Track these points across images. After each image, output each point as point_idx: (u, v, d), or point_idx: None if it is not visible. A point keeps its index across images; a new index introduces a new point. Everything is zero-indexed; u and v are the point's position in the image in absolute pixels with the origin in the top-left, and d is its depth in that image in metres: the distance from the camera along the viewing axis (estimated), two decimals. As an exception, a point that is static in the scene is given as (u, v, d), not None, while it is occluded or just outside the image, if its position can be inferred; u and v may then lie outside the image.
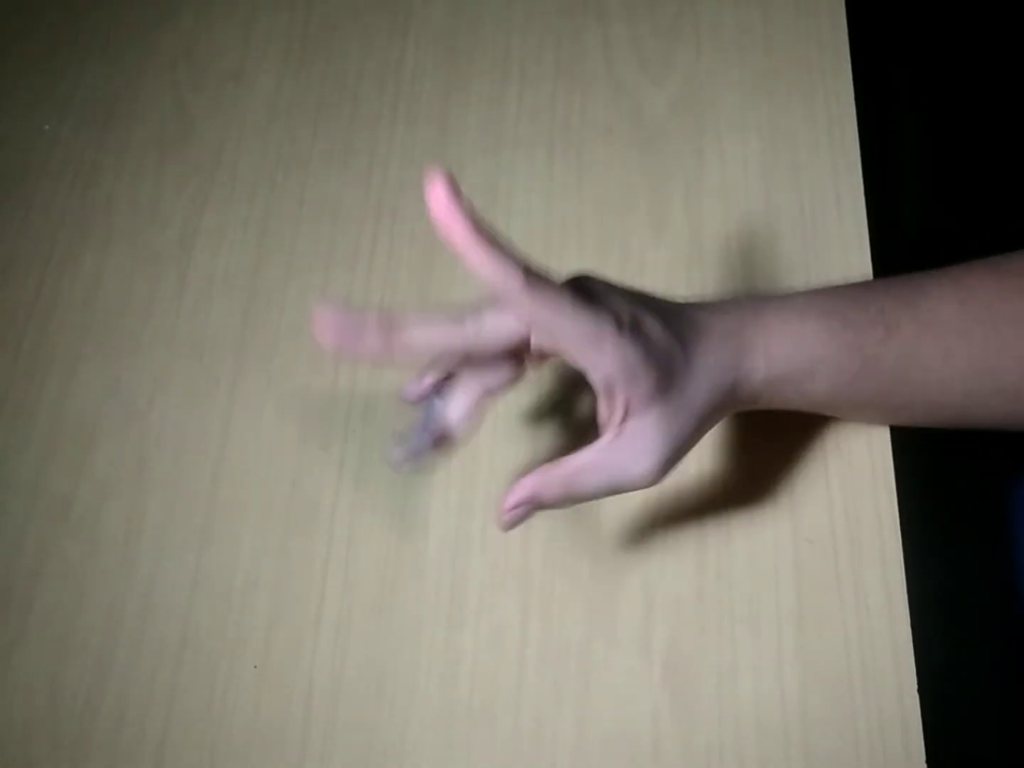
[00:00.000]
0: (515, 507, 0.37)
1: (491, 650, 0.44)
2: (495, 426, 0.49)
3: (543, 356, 0.39)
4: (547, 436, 0.48)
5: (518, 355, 0.38)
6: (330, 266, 0.55)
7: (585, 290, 0.35)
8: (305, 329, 0.53)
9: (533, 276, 0.33)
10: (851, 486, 0.45)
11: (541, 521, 0.46)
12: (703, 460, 0.46)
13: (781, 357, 0.38)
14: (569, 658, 0.44)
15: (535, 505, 0.37)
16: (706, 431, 0.39)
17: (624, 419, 0.36)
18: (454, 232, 0.33)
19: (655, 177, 0.54)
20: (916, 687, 0.41)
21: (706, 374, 0.37)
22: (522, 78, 0.59)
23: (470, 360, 0.38)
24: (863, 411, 0.43)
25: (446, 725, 0.43)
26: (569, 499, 0.37)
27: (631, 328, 0.35)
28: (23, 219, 0.59)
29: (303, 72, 0.62)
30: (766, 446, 0.46)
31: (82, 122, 0.62)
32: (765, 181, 0.53)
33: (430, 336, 0.36)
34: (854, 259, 0.49)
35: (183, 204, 0.58)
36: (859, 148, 0.53)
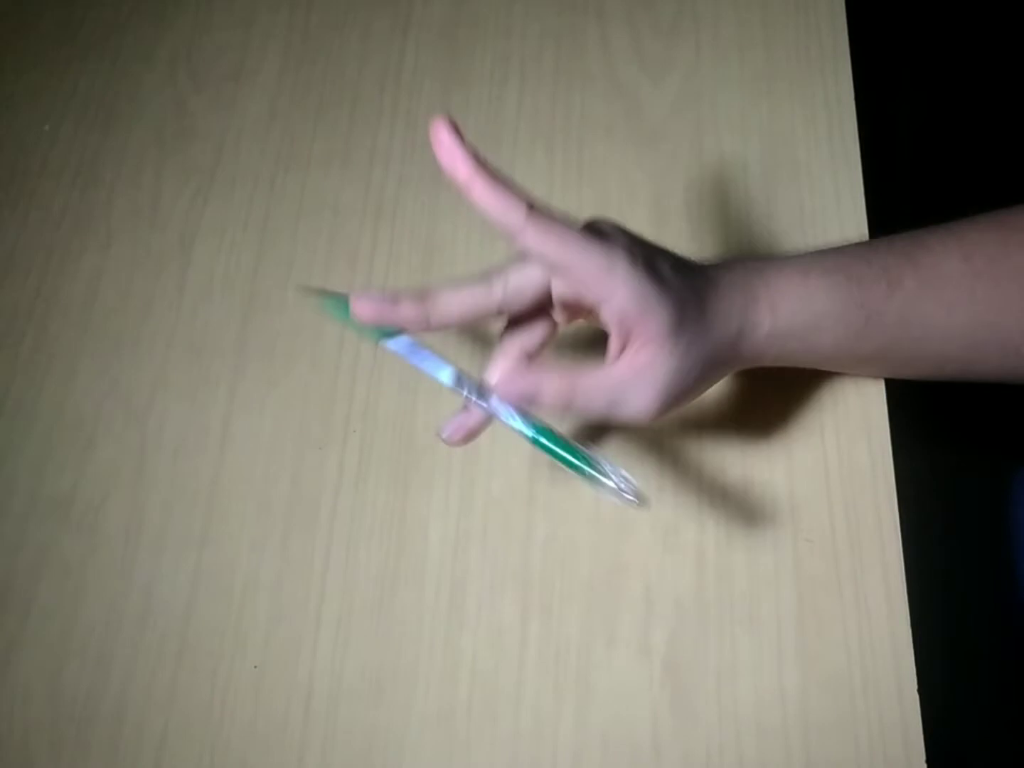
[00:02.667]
0: (512, 392, 0.36)
1: (491, 650, 0.44)
2: (495, 426, 0.49)
3: (571, 310, 0.39)
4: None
5: (547, 312, 0.40)
6: (330, 266, 0.55)
7: (596, 229, 0.36)
8: (305, 329, 0.53)
9: (537, 210, 0.34)
10: (851, 486, 0.45)
11: (541, 521, 0.46)
12: (703, 459, 0.46)
13: (786, 311, 0.38)
14: (569, 658, 0.44)
15: (531, 398, 0.36)
16: (709, 384, 0.39)
17: (635, 353, 0.36)
18: (457, 169, 0.36)
19: (655, 176, 0.54)
20: (916, 687, 0.41)
21: (715, 322, 0.37)
22: (522, 78, 0.59)
23: (503, 319, 0.39)
24: (867, 365, 0.43)
25: (446, 725, 0.43)
26: (566, 407, 0.36)
27: (644, 263, 0.35)
28: (23, 219, 0.59)
29: (303, 72, 0.62)
30: (766, 446, 0.46)
31: (82, 122, 0.62)
32: (765, 181, 0.53)
33: (461, 301, 0.38)
34: (854, 259, 0.49)
35: (183, 204, 0.58)
36: (859, 147, 0.53)
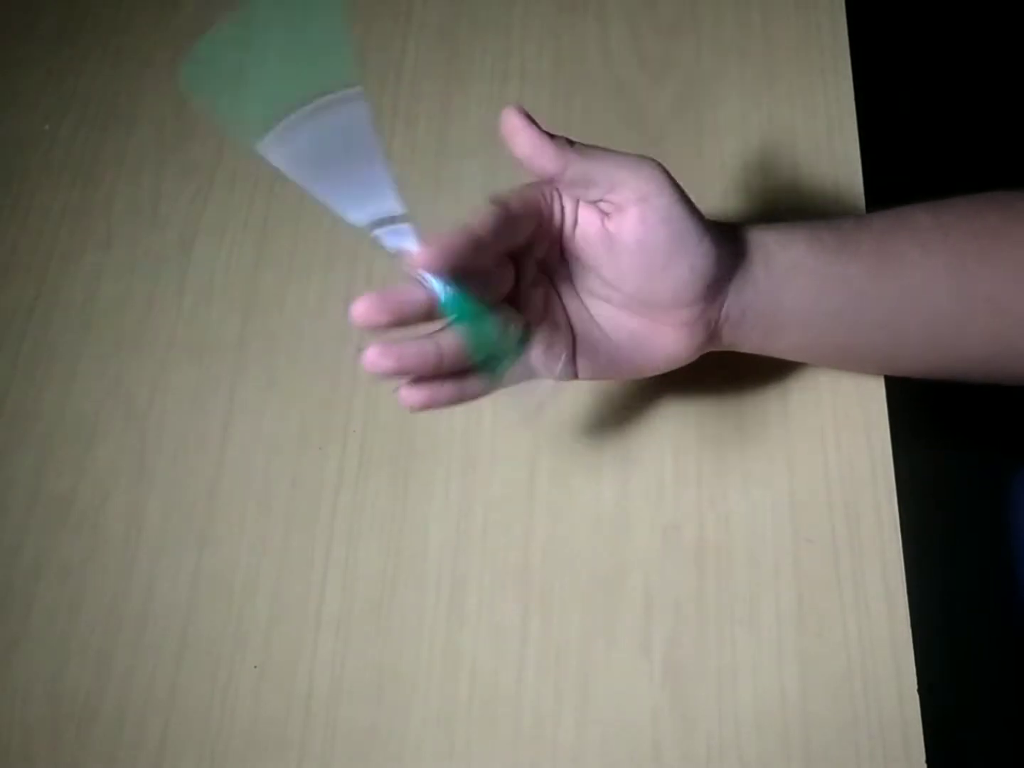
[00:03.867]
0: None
1: (491, 650, 0.44)
2: (495, 426, 0.49)
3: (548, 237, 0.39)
4: (547, 436, 0.48)
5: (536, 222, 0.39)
6: (330, 266, 0.55)
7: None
8: (305, 329, 0.53)
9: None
10: (851, 486, 0.45)
11: (541, 520, 0.46)
12: (703, 459, 0.46)
13: (772, 244, 0.40)
14: (569, 658, 0.44)
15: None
16: (694, 297, 0.38)
17: (639, 223, 0.37)
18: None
19: (655, 177, 0.54)
20: (916, 687, 0.41)
21: (715, 231, 0.38)
22: (522, 78, 0.59)
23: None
24: (861, 316, 0.41)
25: (446, 725, 0.43)
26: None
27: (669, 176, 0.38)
28: (23, 219, 0.59)
29: (303, 72, 0.62)
30: (766, 445, 0.46)
31: (82, 122, 0.62)
32: (765, 181, 0.53)
33: (462, 241, 0.36)
34: (854, 259, 0.49)
35: (183, 204, 0.58)
36: (859, 147, 0.53)
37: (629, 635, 0.44)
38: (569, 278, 0.40)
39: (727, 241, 0.39)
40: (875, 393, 0.47)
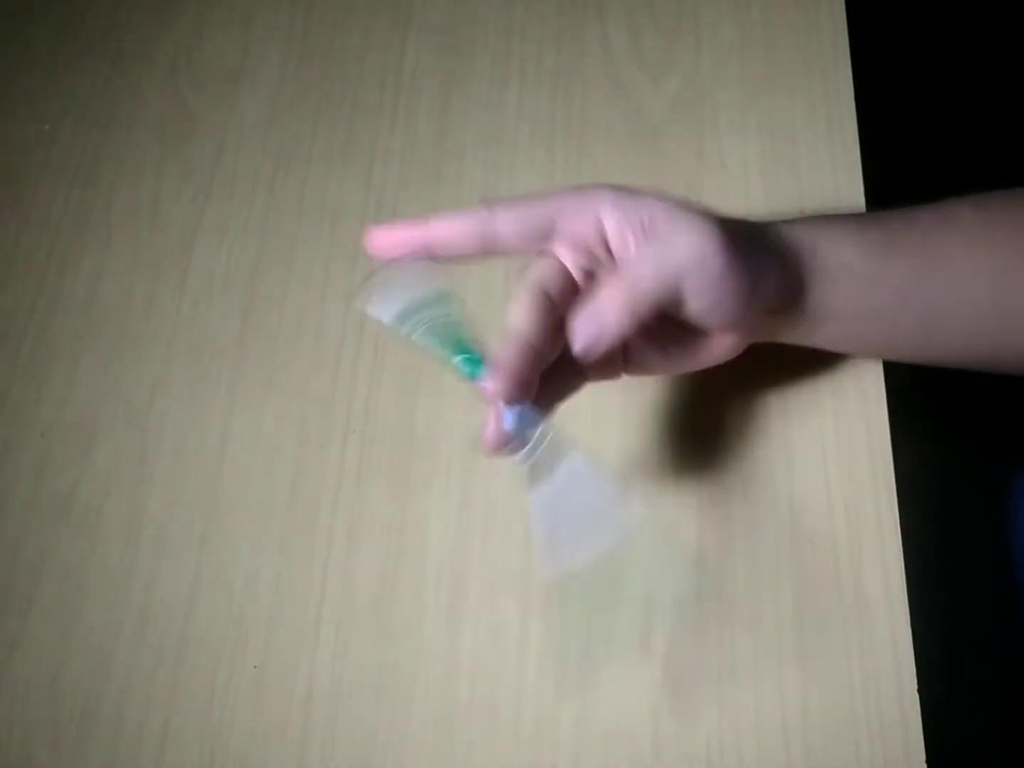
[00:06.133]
0: (580, 338, 0.35)
1: (491, 650, 0.44)
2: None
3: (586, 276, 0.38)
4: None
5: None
6: (330, 266, 0.55)
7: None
8: (305, 329, 0.53)
9: (496, 201, 0.36)
10: (851, 486, 0.45)
11: (541, 521, 0.46)
12: (703, 459, 0.46)
13: (812, 231, 0.39)
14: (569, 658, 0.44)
15: (600, 334, 0.35)
16: (718, 295, 0.37)
17: (640, 245, 0.36)
18: (405, 239, 0.37)
19: (655, 177, 0.54)
20: (916, 687, 0.41)
21: (701, 216, 0.37)
22: (522, 78, 0.59)
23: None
24: (902, 313, 0.41)
25: (446, 725, 0.43)
26: (634, 309, 0.35)
27: (616, 185, 0.37)
28: (23, 219, 0.59)
29: (303, 71, 0.62)
30: (766, 445, 0.46)
31: (82, 122, 0.62)
32: (765, 181, 0.53)
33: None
34: (854, 259, 0.49)
35: (183, 204, 0.58)
36: (859, 147, 0.53)
37: (629, 635, 0.43)
38: None
39: (778, 263, 0.38)
40: (875, 393, 0.47)
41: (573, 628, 0.41)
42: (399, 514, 0.48)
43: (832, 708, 0.41)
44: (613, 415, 0.48)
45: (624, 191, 0.36)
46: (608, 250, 0.37)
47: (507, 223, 0.36)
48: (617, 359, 0.40)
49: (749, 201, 0.52)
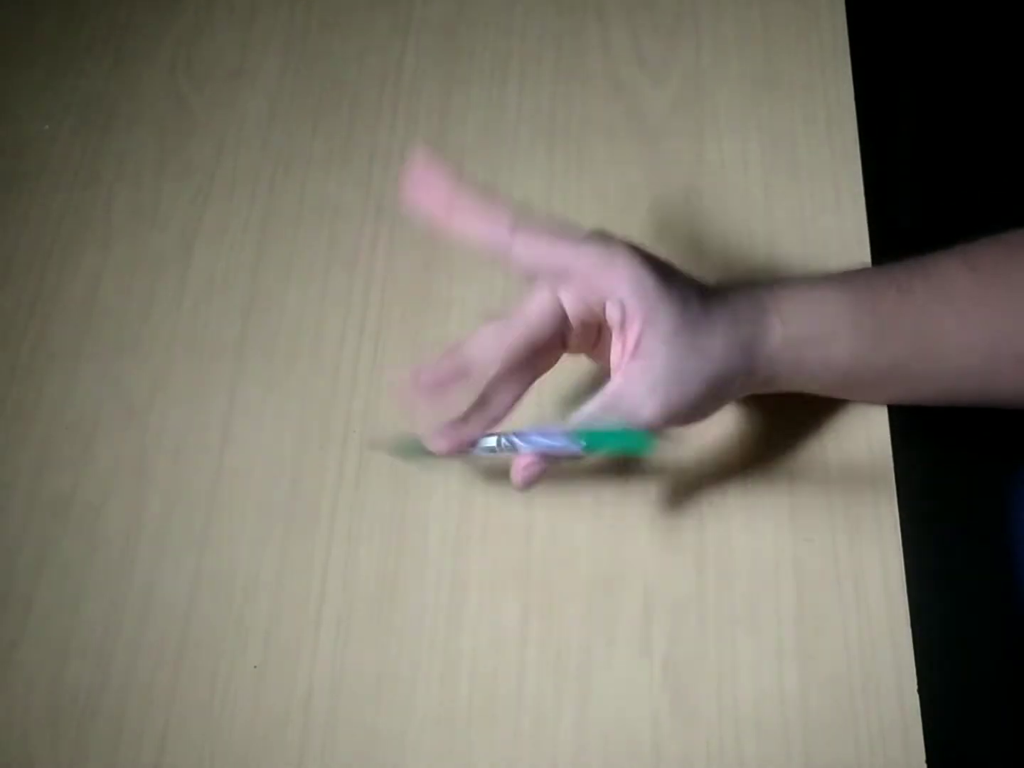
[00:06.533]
0: (529, 465, 0.37)
1: (491, 650, 0.44)
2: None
3: (586, 330, 0.39)
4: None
5: (563, 338, 0.39)
6: (330, 266, 0.55)
7: (597, 233, 0.37)
8: (305, 329, 0.53)
9: (524, 221, 0.34)
10: (851, 486, 0.45)
11: (541, 521, 0.46)
12: (703, 460, 0.46)
13: (797, 318, 0.38)
14: (569, 658, 0.44)
15: (549, 460, 0.37)
16: (718, 399, 0.38)
17: (634, 355, 0.35)
18: (437, 199, 0.35)
19: (655, 177, 0.54)
20: (916, 687, 0.41)
21: (720, 325, 0.36)
22: (522, 78, 0.59)
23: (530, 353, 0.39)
24: (885, 384, 0.42)
25: (446, 725, 0.43)
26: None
27: (645, 258, 0.35)
28: (23, 219, 0.59)
29: (303, 71, 0.62)
30: (766, 445, 0.46)
31: (82, 122, 0.62)
32: (765, 181, 0.53)
33: (497, 359, 0.38)
34: (854, 259, 0.49)
35: (183, 204, 0.58)
36: (859, 148, 0.53)
37: (629, 635, 0.43)
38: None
39: (755, 379, 0.38)
40: (875, 393, 0.47)
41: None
42: (399, 514, 0.48)
43: (832, 708, 0.41)
44: (613, 415, 0.48)
45: (648, 273, 0.35)
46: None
47: (523, 253, 0.36)
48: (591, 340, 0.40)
49: (749, 201, 0.52)
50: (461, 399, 0.40)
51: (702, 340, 0.36)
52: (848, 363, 0.39)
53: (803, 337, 0.38)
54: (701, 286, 0.38)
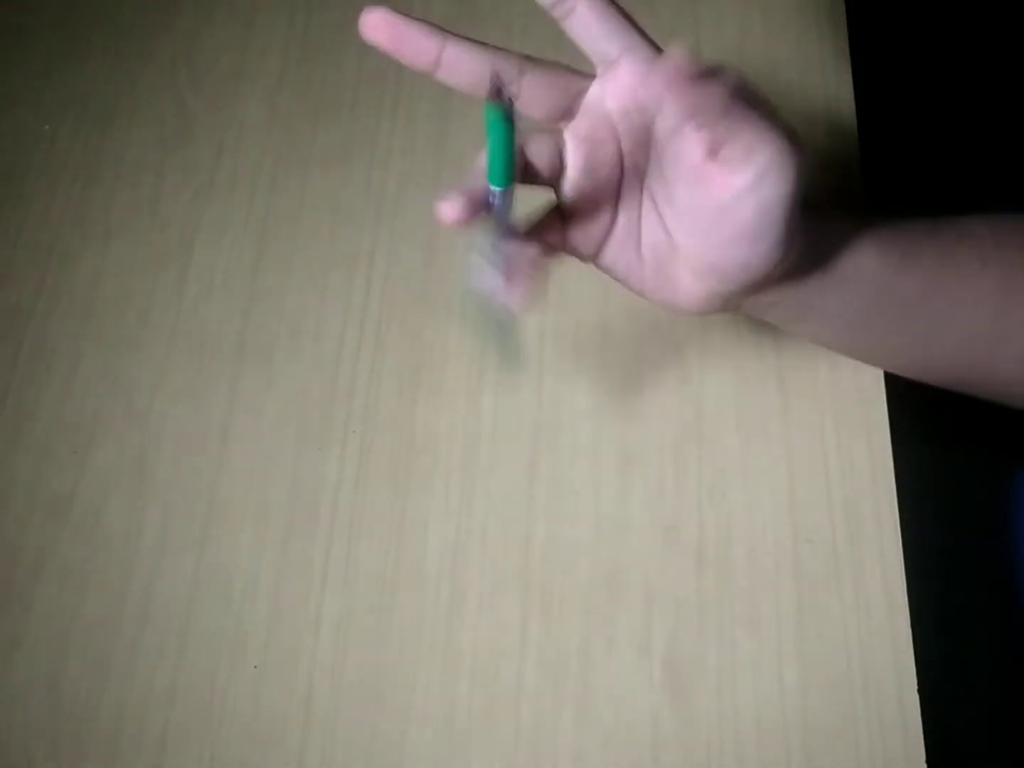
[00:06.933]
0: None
1: (491, 650, 0.44)
2: (495, 426, 0.49)
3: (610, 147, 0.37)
4: (546, 436, 0.48)
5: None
6: (330, 266, 0.55)
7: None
8: (305, 329, 0.53)
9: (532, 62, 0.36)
10: (851, 486, 0.45)
11: (541, 521, 0.46)
12: (703, 459, 0.46)
13: (832, 226, 0.38)
14: (569, 658, 0.44)
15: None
16: (758, 272, 0.35)
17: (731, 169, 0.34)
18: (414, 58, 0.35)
19: (655, 177, 0.54)
20: (916, 687, 0.41)
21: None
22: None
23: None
24: (903, 325, 0.40)
25: (446, 725, 0.43)
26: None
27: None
28: (23, 219, 0.59)
29: (303, 72, 0.62)
30: (766, 445, 0.46)
31: (82, 122, 0.62)
32: (765, 181, 0.53)
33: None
34: (854, 259, 0.49)
35: (183, 204, 0.58)
36: (859, 148, 0.53)
37: (629, 635, 0.44)
38: (642, 169, 0.38)
39: (807, 243, 0.36)
40: (875, 393, 0.47)
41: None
42: (399, 514, 0.48)
43: (832, 708, 0.41)
44: (613, 414, 0.48)
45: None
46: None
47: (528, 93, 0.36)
48: (606, 218, 0.38)
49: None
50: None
51: (784, 243, 0.35)
52: (872, 286, 0.38)
53: (839, 248, 0.38)
54: None
